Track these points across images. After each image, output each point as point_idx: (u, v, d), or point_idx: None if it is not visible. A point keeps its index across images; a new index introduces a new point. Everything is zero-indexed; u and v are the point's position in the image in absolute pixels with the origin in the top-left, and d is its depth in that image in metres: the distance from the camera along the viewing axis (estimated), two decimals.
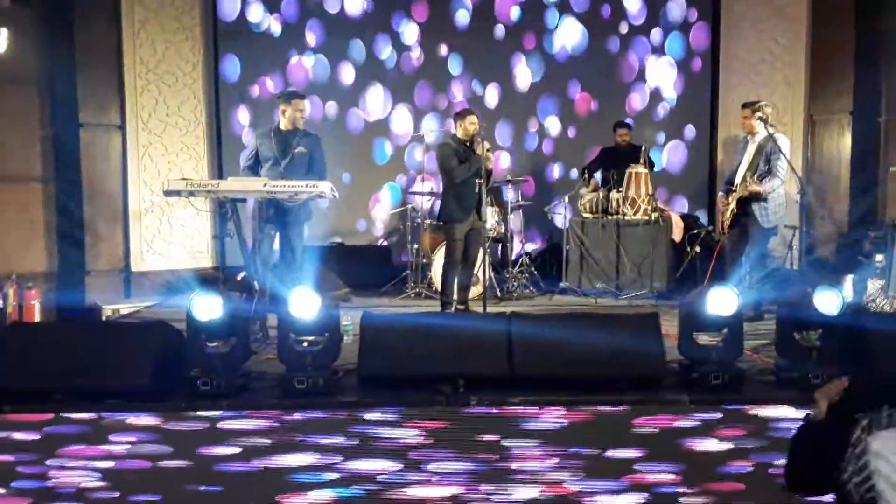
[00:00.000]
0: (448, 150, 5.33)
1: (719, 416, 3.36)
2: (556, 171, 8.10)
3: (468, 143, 5.37)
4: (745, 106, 5.31)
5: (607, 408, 3.36)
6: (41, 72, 6.58)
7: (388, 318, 3.90)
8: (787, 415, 3.36)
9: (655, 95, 8.09)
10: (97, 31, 6.73)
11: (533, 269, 6.89)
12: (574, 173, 7.43)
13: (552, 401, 3.41)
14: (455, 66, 7.81)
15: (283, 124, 5.01)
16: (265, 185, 4.39)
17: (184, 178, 4.45)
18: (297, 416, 3.30)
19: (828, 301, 3.56)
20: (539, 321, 3.92)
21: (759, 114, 5.14)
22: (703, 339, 3.75)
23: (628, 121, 7.50)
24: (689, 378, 3.63)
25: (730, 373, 3.57)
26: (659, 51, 8.05)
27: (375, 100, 7.69)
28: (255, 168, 5.00)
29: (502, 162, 7.74)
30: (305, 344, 3.54)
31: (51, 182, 6.68)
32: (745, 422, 3.36)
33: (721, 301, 3.58)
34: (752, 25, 7.38)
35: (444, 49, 7.77)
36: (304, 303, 3.49)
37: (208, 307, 3.45)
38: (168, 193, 4.35)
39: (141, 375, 3.41)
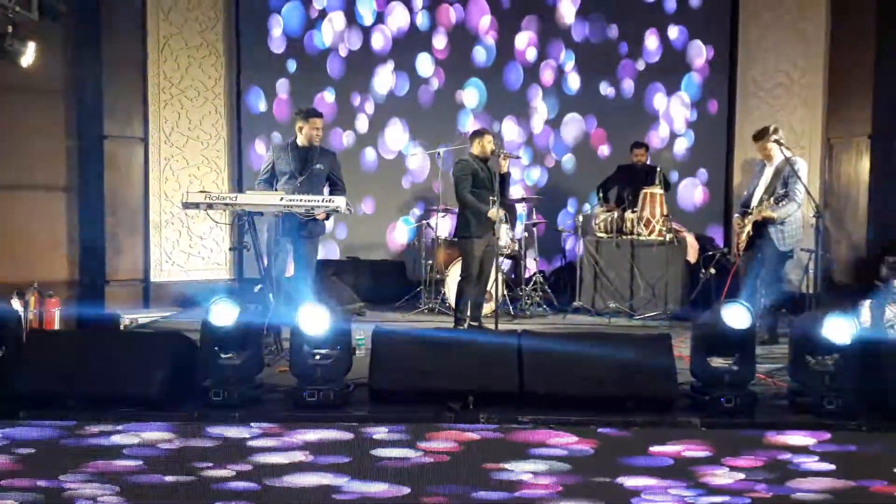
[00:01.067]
0: (465, 167, 5.37)
1: (732, 443, 3.32)
2: (570, 206, 8.06)
3: (485, 161, 5.43)
4: (756, 138, 5.27)
5: (615, 431, 3.34)
6: (67, 84, 6.74)
7: (399, 332, 3.93)
8: (802, 444, 3.31)
9: (672, 133, 8.05)
10: (123, 46, 6.90)
11: (546, 287, 6.88)
12: (587, 208, 7.40)
13: (562, 420, 3.40)
14: (472, 101, 7.87)
15: (300, 140, 5.09)
16: (282, 199, 4.45)
17: (202, 191, 4.51)
18: (308, 435, 3.30)
19: (840, 329, 3.53)
20: (550, 340, 3.92)
21: (774, 137, 5.12)
22: (716, 361, 3.74)
23: (645, 141, 7.51)
24: (700, 401, 3.61)
25: (742, 396, 3.54)
26: (675, 88, 8.01)
27: (394, 133, 7.80)
28: (270, 182, 5.08)
29: (515, 193, 7.74)
30: (318, 357, 3.57)
31: (74, 192, 6.82)
32: (759, 450, 3.31)
33: (735, 316, 3.58)
34: (771, 48, 7.38)
35: (461, 85, 7.84)
36: (314, 318, 3.53)
37: (225, 313, 3.51)
38: (186, 206, 4.42)
39: (154, 385, 3.46)
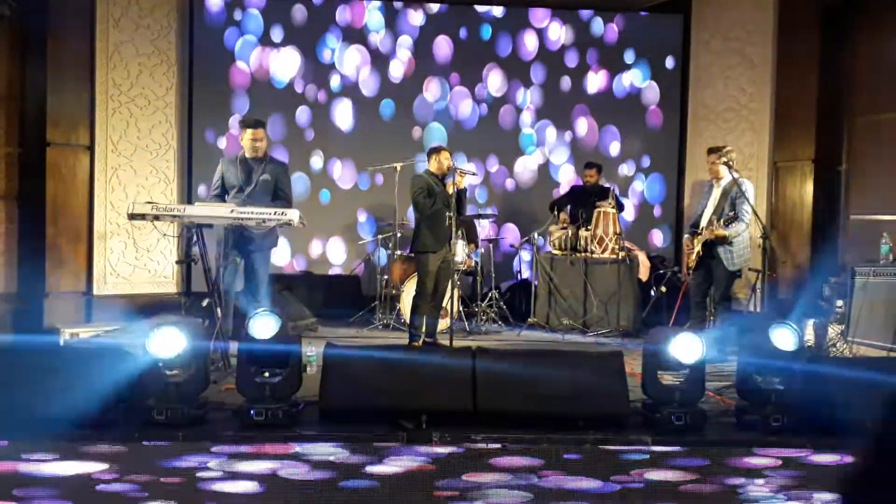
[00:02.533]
0: (420, 183, 5.38)
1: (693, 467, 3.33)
2: (525, 229, 8.06)
3: (441, 178, 5.43)
4: (710, 151, 5.44)
5: (574, 456, 3.31)
6: (10, 89, 6.48)
7: (352, 350, 3.85)
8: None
9: (624, 168, 8.16)
10: (70, 51, 6.68)
11: (502, 304, 6.89)
12: (541, 241, 7.42)
13: (515, 438, 3.38)
14: (429, 139, 7.82)
15: (247, 152, 4.98)
16: (232, 211, 4.35)
17: (149, 202, 4.37)
18: (254, 458, 3.18)
19: (784, 338, 3.66)
20: (504, 357, 3.91)
21: (724, 159, 5.26)
22: (666, 378, 3.79)
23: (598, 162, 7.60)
24: (652, 418, 3.64)
25: (692, 413, 3.59)
26: (626, 118, 8.12)
27: (347, 172, 7.78)
28: (221, 196, 4.96)
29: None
30: (266, 375, 3.48)
31: (14, 200, 6.54)
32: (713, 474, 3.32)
33: (685, 348, 3.62)
34: (720, 74, 7.60)
35: (418, 122, 7.84)
36: (264, 324, 3.44)
37: (167, 343, 3.38)
38: (132, 217, 4.27)
39: (95, 403, 3.31)
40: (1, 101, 6.45)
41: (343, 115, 7.75)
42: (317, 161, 7.74)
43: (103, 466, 3.13)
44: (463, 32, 7.92)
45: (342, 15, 7.73)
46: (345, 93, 7.75)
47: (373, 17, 7.78)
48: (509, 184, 8.08)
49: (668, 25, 8.14)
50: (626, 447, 3.41)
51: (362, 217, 7.83)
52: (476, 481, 3.16)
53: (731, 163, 5.25)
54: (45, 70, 6.51)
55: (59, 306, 6.62)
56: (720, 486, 3.20)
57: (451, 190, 5.29)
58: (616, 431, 3.54)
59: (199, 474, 3.14)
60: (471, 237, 6.82)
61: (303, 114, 7.68)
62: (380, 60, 7.79)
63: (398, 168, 6.74)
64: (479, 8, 7.94)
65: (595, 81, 8.10)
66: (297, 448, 3.26)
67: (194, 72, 7.37)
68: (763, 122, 7.25)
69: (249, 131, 4.94)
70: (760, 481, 3.19)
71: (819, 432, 3.51)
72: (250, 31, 7.59)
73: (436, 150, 5.54)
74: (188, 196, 7.22)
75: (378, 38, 7.79)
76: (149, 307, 6.62)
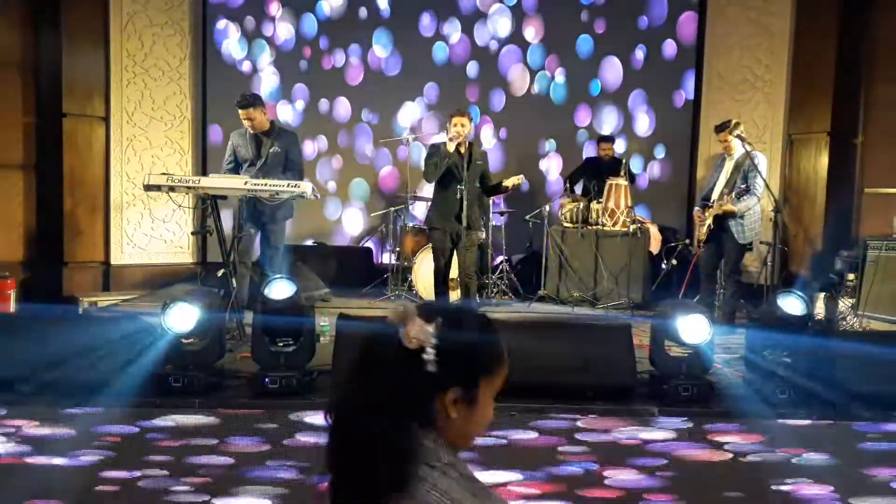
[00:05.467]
0: (431, 149, 5.26)
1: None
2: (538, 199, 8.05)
3: (458, 146, 5.32)
4: (717, 130, 5.35)
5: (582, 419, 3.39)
6: (25, 59, 6.53)
7: (363, 320, 3.91)
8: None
9: (638, 130, 8.10)
10: (85, 22, 6.70)
11: (512, 275, 6.92)
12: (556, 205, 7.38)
13: (523, 408, 3.44)
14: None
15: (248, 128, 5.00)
16: (246, 183, 4.39)
17: (164, 173, 4.43)
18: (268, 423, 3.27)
19: (792, 305, 3.70)
20: (514, 328, 3.95)
21: (736, 132, 5.21)
22: (674, 350, 3.82)
23: (611, 135, 7.56)
24: (659, 389, 3.68)
25: (699, 385, 3.63)
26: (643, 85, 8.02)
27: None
28: (235, 170, 5.00)
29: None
30: (280, 344, 3.55)
31: (31, 171, 6.62)
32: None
33: (693, 328, 3.64)
34: (736, 44, 7.48)
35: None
36: (280, 288, 3.51)
37: (183, 317, 3.45)
38: (148, 188, 4.33)
39: (113, 370, 3.40)
40: (17, 71, 6.50)
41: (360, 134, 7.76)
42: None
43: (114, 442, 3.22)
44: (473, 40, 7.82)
45: (355, 40, 7.70)
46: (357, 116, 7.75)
47: (383, 41, 7.73)
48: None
49: None
50: (632, 418, 3.47)
51: (377, 170, 7.83)
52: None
53: (742, 135, 5.20)
54: (60, 39, 6.54)
55: (76, 275, 6.74)
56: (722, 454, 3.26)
57: (450, 148, 5.04)
58: (623, 402, 3.60)
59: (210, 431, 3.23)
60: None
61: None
62: (390, 80, 7.76)
63: (409, 140, 6.74)
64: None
65: (609, 55, 7.99)
66: (309, 416, 3.34)
67: (208, 43, 7.36)
68: (779, 94, 7.15)
69: (241, 112, 4.92)
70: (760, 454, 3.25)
71: (824, 405, 3.54)
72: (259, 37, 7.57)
73: (451, 114, 5.23)
74: (203, 167, 7.27)
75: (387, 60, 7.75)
76: (165, 277, 6.75)
